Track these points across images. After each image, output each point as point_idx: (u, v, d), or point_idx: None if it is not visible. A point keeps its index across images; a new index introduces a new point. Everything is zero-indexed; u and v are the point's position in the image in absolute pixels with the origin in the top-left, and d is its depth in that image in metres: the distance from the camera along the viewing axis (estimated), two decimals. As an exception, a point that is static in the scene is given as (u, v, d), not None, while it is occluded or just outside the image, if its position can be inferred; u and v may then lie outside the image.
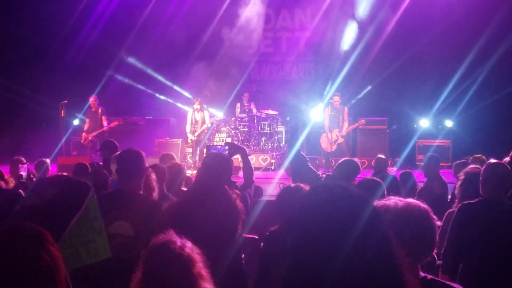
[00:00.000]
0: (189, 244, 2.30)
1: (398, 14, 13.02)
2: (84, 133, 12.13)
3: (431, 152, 10.38)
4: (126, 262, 2.70)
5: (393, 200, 2.12)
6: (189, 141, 12.00)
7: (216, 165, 3.39)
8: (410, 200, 2.14)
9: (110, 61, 14.20)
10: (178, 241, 2.29)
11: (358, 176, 5.00)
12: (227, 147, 4.13)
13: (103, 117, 12.12)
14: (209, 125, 12.14)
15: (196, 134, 11.92)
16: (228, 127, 12.80)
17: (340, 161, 5.27)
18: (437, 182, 6.21)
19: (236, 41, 13.82)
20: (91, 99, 12.09)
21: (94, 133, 12.02)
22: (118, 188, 3.40)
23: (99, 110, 12.09)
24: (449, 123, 13.08)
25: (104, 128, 12.02)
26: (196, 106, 11.94)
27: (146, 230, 3.02)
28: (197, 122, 11.99)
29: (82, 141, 12.13)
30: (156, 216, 3.10)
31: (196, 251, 2.29)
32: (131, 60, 14.34)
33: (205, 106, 12.18)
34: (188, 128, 12.08)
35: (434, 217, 2.13)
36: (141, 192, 3.37)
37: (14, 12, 13.77)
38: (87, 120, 12.26)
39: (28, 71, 13.90)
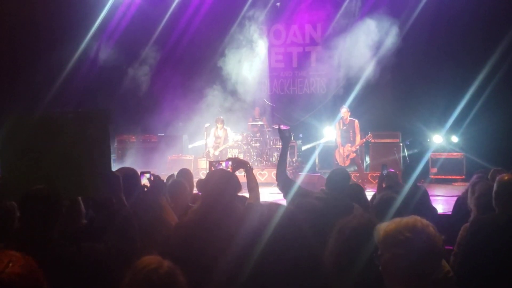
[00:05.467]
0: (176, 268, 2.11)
1: (410, 30, 12.85)
2: None
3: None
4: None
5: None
6: (211, 155, 12.35)
7: (217, 182, 3.34)
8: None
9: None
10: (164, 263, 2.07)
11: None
12: (230, 162, 4.09)
13: None
14: (231, 143, 12.64)
15: (219, 149, 12.54)
16: (240, 142, 12.82)
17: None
18: None
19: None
20: None
21: None
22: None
23: None
24: (455, 139, 12.79)
25: None
26: (219, 124, 12.54)
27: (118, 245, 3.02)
28: (220, 138, 12.64)
29: None
30: (128, 230, 3.09)
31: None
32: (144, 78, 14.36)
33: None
34: (210, 142, 12.67)
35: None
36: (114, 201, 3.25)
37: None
38: None
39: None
